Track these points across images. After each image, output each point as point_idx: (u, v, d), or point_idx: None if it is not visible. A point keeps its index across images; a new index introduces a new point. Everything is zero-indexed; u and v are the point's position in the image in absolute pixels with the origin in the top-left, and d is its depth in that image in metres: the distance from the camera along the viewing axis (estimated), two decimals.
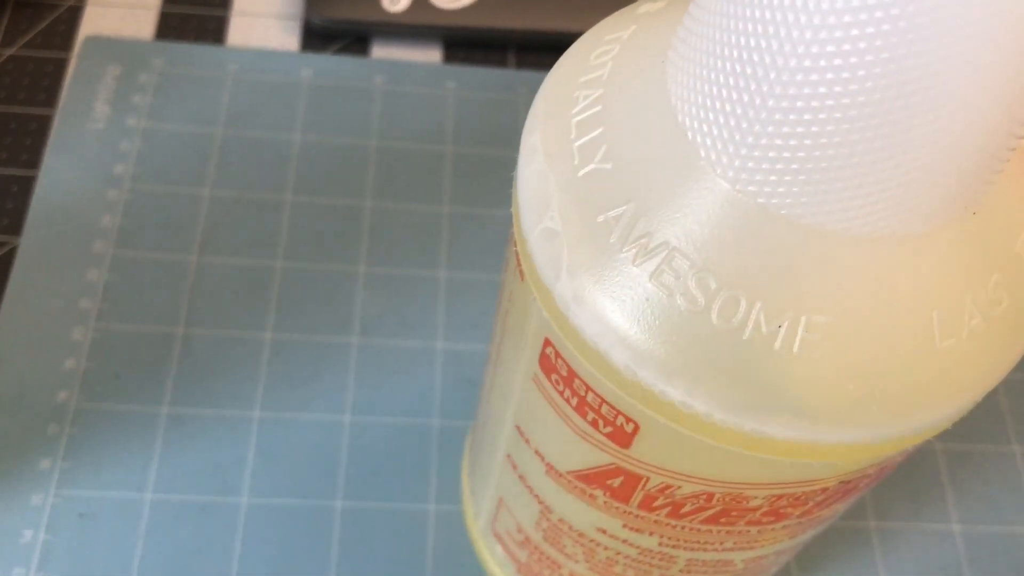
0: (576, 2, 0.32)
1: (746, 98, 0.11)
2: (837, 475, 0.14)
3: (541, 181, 0.13)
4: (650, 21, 0.14)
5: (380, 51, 0.31)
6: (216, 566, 0.23)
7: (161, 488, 0.23)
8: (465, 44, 0.32)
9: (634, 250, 0.12)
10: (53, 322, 0.25)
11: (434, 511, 0.24)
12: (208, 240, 0.27)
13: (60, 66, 0.30)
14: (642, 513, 0.16)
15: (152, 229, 0.27)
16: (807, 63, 0.10)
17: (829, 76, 0.10)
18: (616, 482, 0.15)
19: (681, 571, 0.17)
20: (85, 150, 0.28)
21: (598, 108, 0.13)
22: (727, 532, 0.16)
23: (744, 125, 0.11)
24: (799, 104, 0.11)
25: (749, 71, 0.11)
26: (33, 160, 0.28)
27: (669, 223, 0.12)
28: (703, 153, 0.12)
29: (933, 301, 0.12)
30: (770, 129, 0.11)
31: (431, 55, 0.32)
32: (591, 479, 0.16)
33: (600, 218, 0.13)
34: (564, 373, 0.14)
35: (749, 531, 0.16)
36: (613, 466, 0.15)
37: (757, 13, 0.11)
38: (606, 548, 0.17)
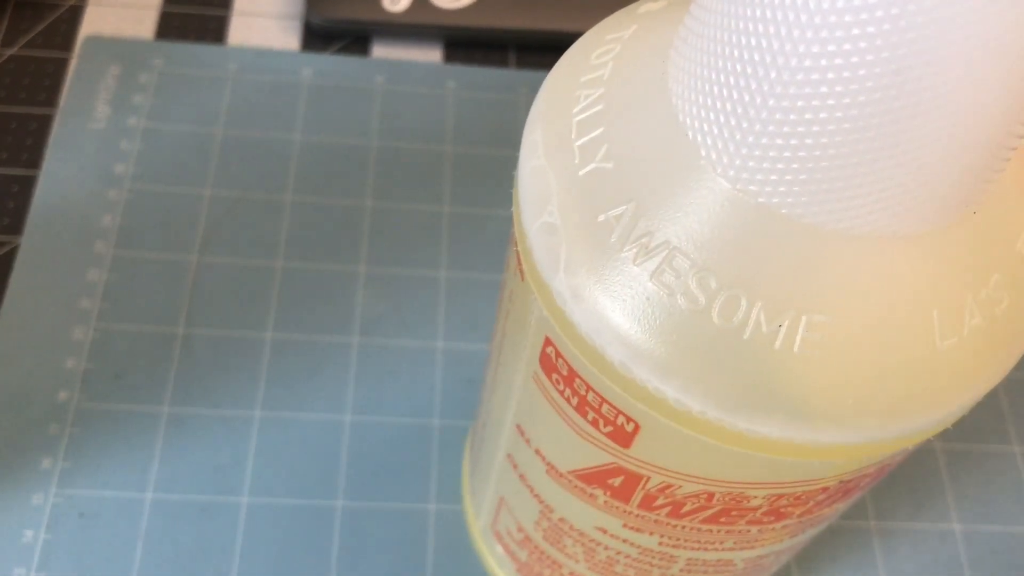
0: (576, 2, 0.32)
1: (747, 97, 0.11)
2: (838, 475, 0.14)
3: (541, 177, 0.13)
4: (651, 20, 0.14)
5: (380, 51, 0.31)
6: (216, 566, 0.23)
7: (162, 488, 0.23)
8: (465, 44, 0.32)
9: (635, 249, 0.12)
10: (54, 322, 0.25)
11: (434, 511, 0.24)
12: (208, 240, 0.27)
13: (61, 66, 0.30)
14: (642, 513, 0.16)
15: (153, 229, 0.27)
16: (807, 63, 0.10)
17: (830, 76, 0.10)
18: (617, 481, 0.15)
19: (681, 571, 0.17)
20: (86, 150, 0.28)
21: (599, 107, 0.13)
22: (727, 532, 0.16)
23: (744, 125, 0.11)
24: (800, 104, 0.11)
25: (750, 71, 0.11)
26: (34, 160, 0.28)
27: (670, 222, 0.12)
28: (704, 153, 0.12)
29: (934, 300, 0.12)
30: (771, 128, 0.11)
31: (431, 55, 0.32)
32: (591, 479, 0.16)
33: (601, 217, 0.13)
34: (564, 372, 0.14)
35: (749, 531, 0.16)
36: (614, 465, 0.15)
37: (758, 12, 0.11)
38: (606, 548, 0.17)
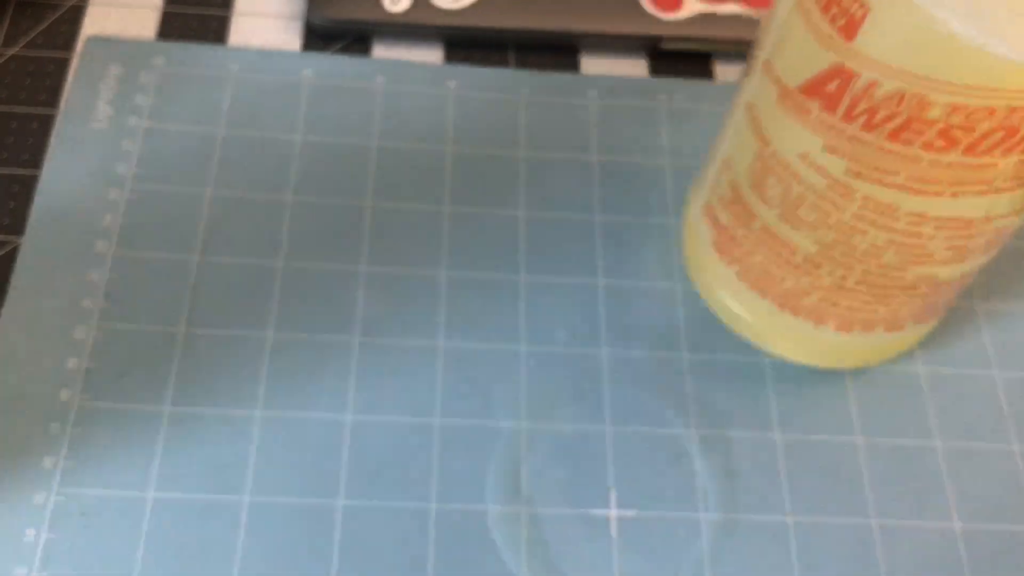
0: (577, 2, 0.32)
1: None
2: (1007, 98, 0.17)
3: None
4: None
5: (381, 52, 0.32)
6: (218, 564, 0.23)
7: (163, 487, 0.24)
8: (466, 44, 0.32)
9: None
10: (55, 321, 0.25)
11: (435, 510, 0.24)
12: (210, 240, 0.27)
13: (62, 66, 0.30)
14: (843, 126, 0.19)
15: (154, 229, 0.27)
16: None
17: None
18: (832, 86, 0.19)
19: (853, 216, 0.21)
20: (87, 150, 0.28)
21: None
22: (902, 158, 0.19)
23: None
24: None
25: None
26: (35, 160, 0.28)
27: None
28: None
29: None
30: None
31: (432, 56, 0.32)
32: (812, 89, 0.20)
33: None
34: None
35: (920, 161, 0.19)
36: (833, 67, 0.19)
37: None
38: (801, 181, 0.21)
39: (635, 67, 0.32)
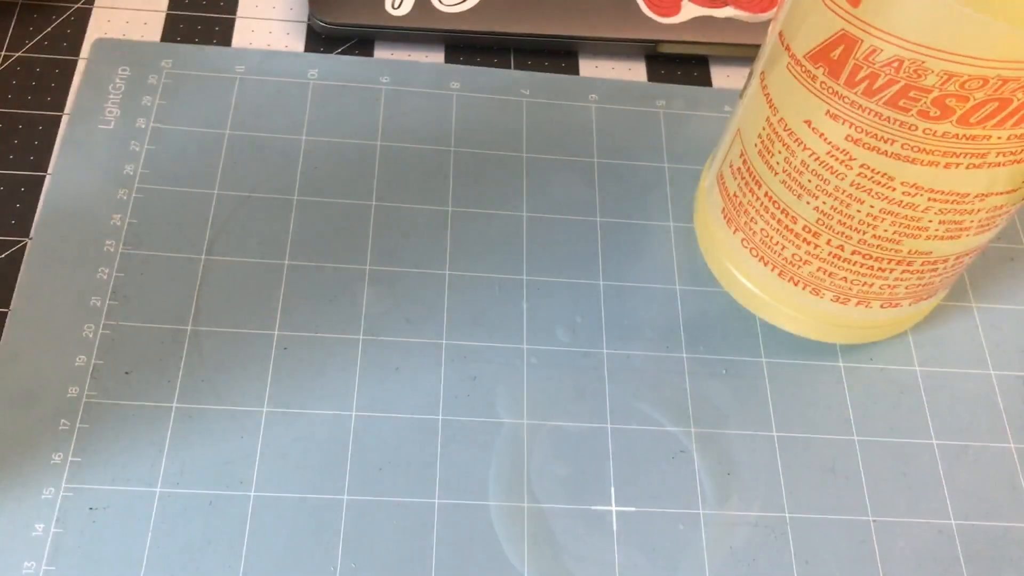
0: (577, 6, 0.32)
1: None
2: (998, 67, 0.18)
3: None
4: None
5: (383, 55, 0.32)
6: (224, 559, 0.23)
7: (170, 482, 0.24)
8: (467, 48, 0.32)
9: None
10: (64, 319, 0.26)
11: (438, 505, 0.24)
12: (216, 239, 0.27)
13: (68, 68, 0.30)
14: (846, 92, 0.21)
15: (161, 228, 0.27)
16: None
17: None
18: (836, 53, 0.20)
19: (851, 184, 0.22)
20: (95, 151, 0.28)
21: None
22: (900, 125, 0.20)
23: None
24: None
25: None
26: (42, 162, 0.28)
27: None
28: None
29: None
30: None
31: (434, 59, 0.32)
32: (818, 56, 0.21)
33: None
34: None
35: (915, 130, 0.20)
36: (839, 34, 0.20)
37: None
38: (805, 147, 0.22)
39: (633, 70, 0.33)
